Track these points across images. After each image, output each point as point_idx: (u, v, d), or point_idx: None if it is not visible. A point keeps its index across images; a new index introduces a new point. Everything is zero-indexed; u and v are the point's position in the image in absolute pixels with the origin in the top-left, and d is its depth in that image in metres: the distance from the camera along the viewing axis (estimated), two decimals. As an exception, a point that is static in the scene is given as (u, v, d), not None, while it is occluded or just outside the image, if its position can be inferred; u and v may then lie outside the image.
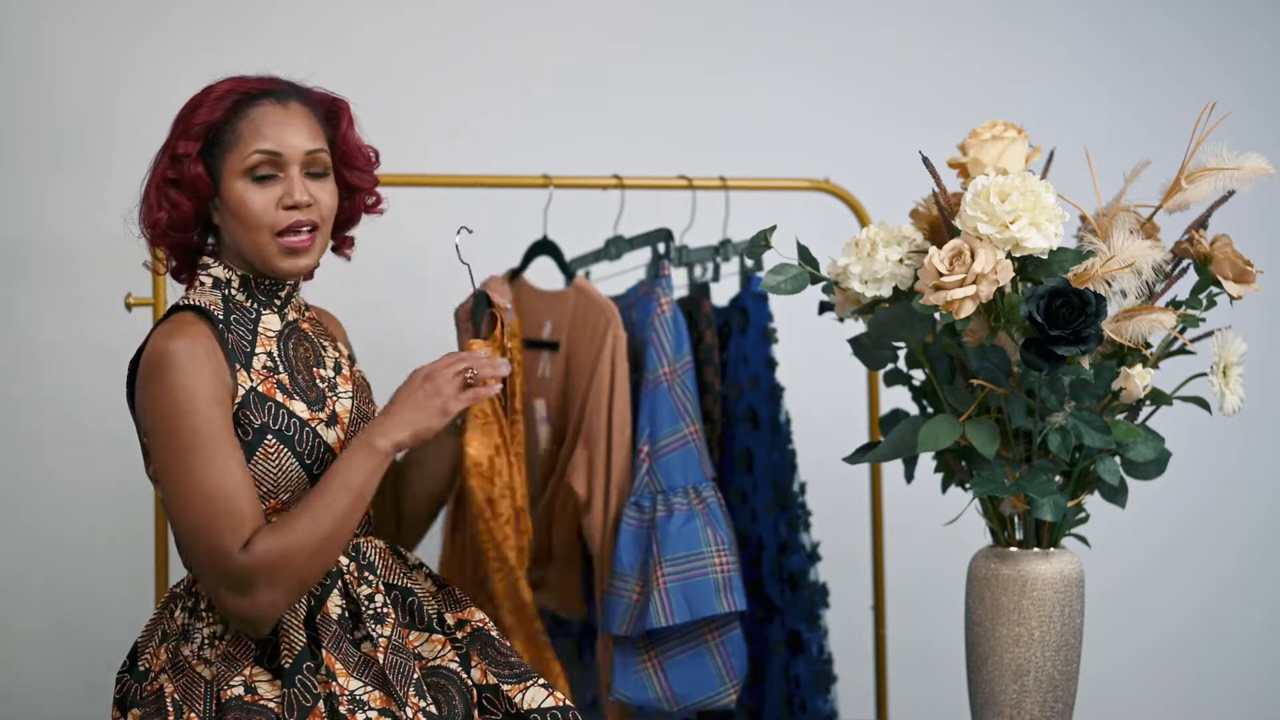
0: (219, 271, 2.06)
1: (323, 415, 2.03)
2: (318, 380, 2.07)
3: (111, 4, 3.00)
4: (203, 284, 2.07)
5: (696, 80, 3.34)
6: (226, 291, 2.06)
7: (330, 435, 2.03)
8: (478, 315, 2.21)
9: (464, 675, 2.02)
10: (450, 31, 3.20)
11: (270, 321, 2.06)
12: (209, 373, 1.94)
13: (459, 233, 2.14)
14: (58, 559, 2.93)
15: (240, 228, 2.02)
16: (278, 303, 2.08)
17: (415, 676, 1.97)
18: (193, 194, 2.02)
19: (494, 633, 2.10)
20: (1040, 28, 3.57)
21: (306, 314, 2.14)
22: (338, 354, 2.14)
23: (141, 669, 2.01)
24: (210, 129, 2.02)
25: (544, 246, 2.76)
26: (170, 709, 1.95)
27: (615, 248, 2.71)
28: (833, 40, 3.45)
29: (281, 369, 2.03)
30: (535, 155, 2.86)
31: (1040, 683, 2.09)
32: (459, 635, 2.08)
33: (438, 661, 2.03)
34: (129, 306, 2.47)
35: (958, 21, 3.52)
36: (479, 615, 2.12)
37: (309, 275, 2.16)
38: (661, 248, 2.60)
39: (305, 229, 2.02)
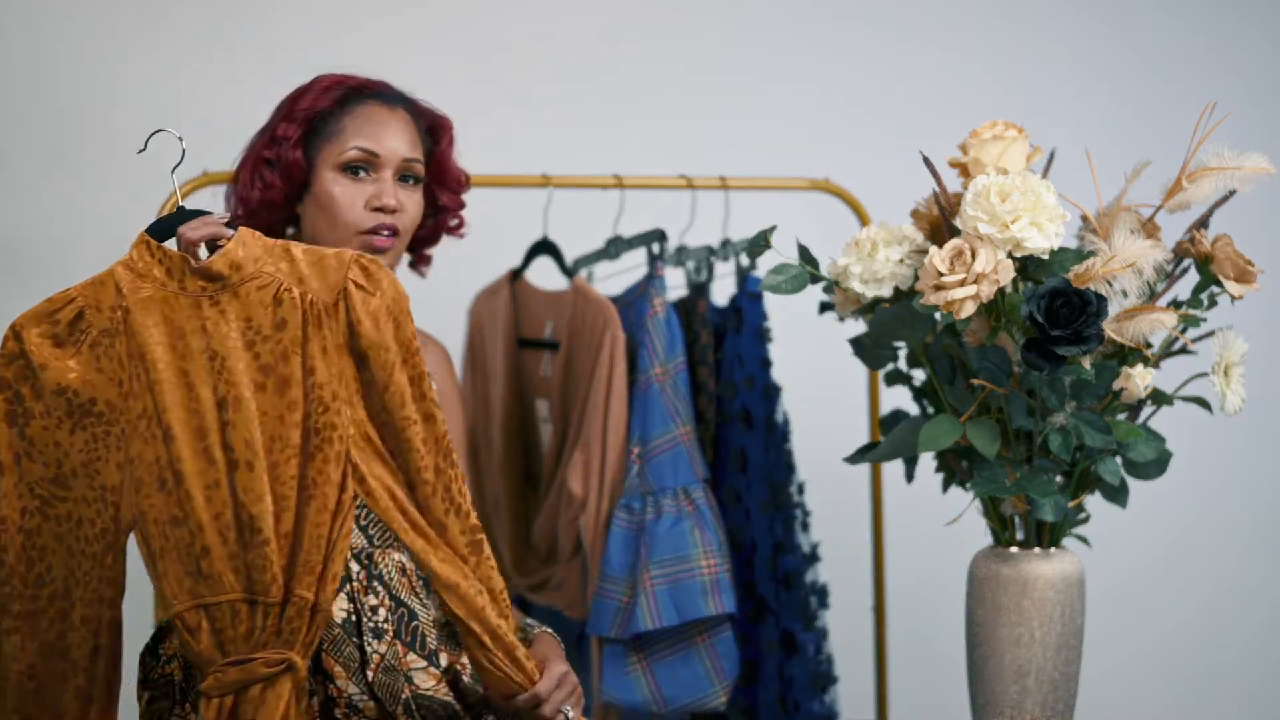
0: None
1: None
2: None
3: (112, 4, 3.00)
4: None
5: (696, 80, 3.33)
6: None
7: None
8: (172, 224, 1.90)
9: (456, 706, 2.01)
10: (450, 32, 3.20)
11: None
12: None
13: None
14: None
15: (325, 220, 2.03)
16: None
17: (404, 696, 1.97)
18: (286, 177, 2.04)
19: (466, 676, 2.06)
20: (1040, 28, 3.56)
21: None
22: None
23: (160, 652, 2.02)
24: (313, 117, 2.03)
25: (544, 246, 2.77)
26: (176, 694, 1.95)
27: (615, 248, 2.71)
28: (833, 40, 3.44)
29: None
30: (535, 155, 2.86)
31: (1041, 683, 2.09)
32: (449, 675, 2.06)
33: (432, 694, 2.02)
34: (128, 306, 2.47)
35: (958, 22, 3.52)
36: (464, 659, 2.08)
37: None
38: (656, 248, 2.59)
39: (387, 232, 2.02)
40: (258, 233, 1.81)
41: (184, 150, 1.91)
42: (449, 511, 1.78)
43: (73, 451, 1.77)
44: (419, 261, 2.19)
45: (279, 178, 2.05)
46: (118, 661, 1.83)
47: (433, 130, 2.11)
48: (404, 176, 2.05)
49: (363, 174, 2.03)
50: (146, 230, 1.82)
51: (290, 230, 2.10)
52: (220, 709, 1.75)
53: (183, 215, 1.84)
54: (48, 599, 1.78)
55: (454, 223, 2.17)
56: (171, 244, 1.84)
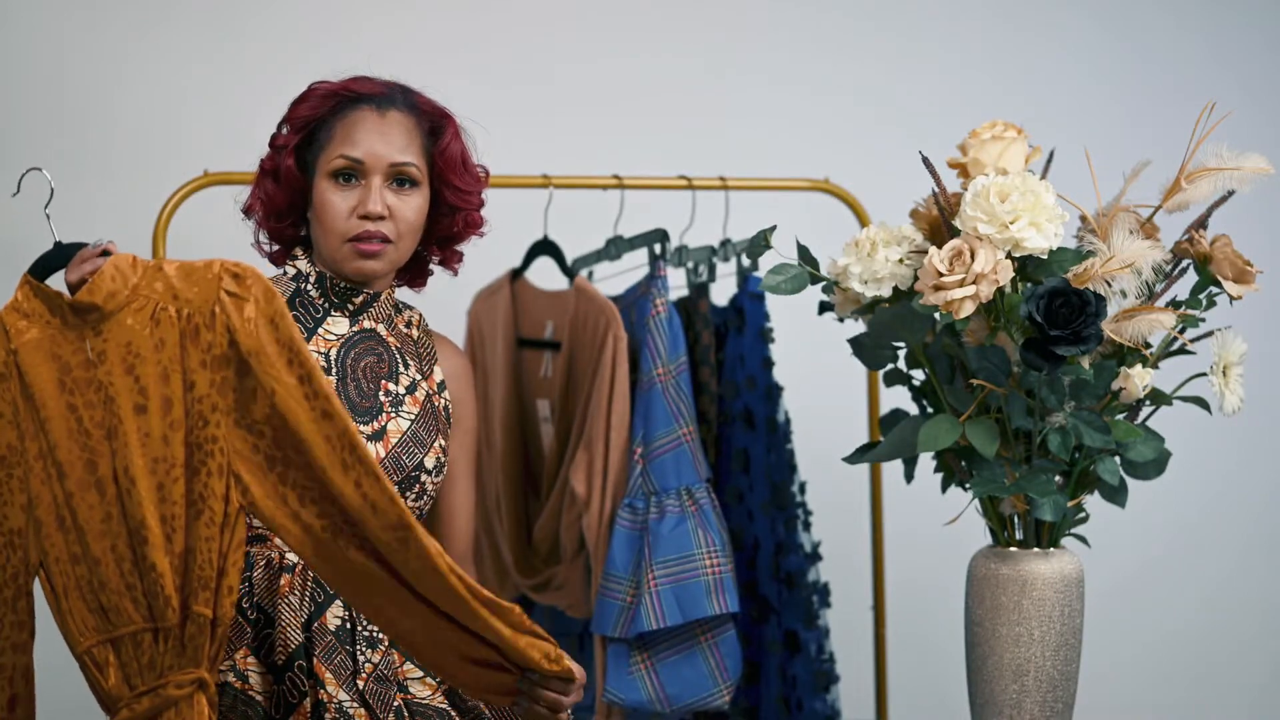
0: (303, 264, 2.08)
1: (366, 429, 2.01)
2: (381, 393, 2.05)
3: (112, 5, 3.00)
4: (285, 273, 2.09)
5: (696, 80, 3.34)
6: (302, 286, 2.06)
7: (370, 449, 2.00)
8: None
9: (451, 713, 2.01)
10: (450, 32, 3.20)
11: (336, 325, 2.06)
12: None
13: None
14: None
15: (319, 227, 2.04)
16: (350, 308, 2.07)
17: (396, 704, 1.97)
18: (286, 186, 2.04)
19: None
20: (1040, 28, 3.57)
21: (407, 330, 2.12)
22: (420, 376, 2.11)
23: None
24: (310, 124, 2.04)
25: (545, 247, 2.77)
26: None
27: (615, 248, 2.71)
28: (833, 40, 3.45)
29: (333, 373, 2.02)
30: (535, 155, 2.86)
31: (1040, 682, 2.09)
32: (444, 686, 2.06)
33: (427, 702, 2.02)
34: (129, 306, 2.47)
35: (958, 22, 3.52)
36: None
37: (417, 285, 2.17)
38: (658, 248, 2.60)
39: (375, 239, 2.02)
40: (130, 255, 1.79)
41: (52, 190, 1.92)
42: (364, 509, 1.71)
43: None
44: (449, 259, 2.18)
45: (279, 186, 2.05)
46: (34, 709, 1.81)
47: (435, 129, 2.10)
48: (398, 180, 2.04)
49: (351, 181, 2.02)
50: (28, 271, 1.82)
51: (304, 234, 2.11)
52: None
53: (61, 251, 1.84)
54: None
55: (472, 220, 2.15)
56: (56, 281, 1.83)
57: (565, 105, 3.25)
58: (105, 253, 1.81)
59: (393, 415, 2.04)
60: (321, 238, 2.04)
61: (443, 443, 2.09)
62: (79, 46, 2.97)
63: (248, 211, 2.10)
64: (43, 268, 1.84)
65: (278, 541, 1.98)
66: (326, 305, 2.06)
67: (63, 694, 2.73)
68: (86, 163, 2.97)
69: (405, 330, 2.12)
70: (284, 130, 2.07)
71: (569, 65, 3.25)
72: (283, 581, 1.97)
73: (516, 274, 2.80)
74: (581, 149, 3.07)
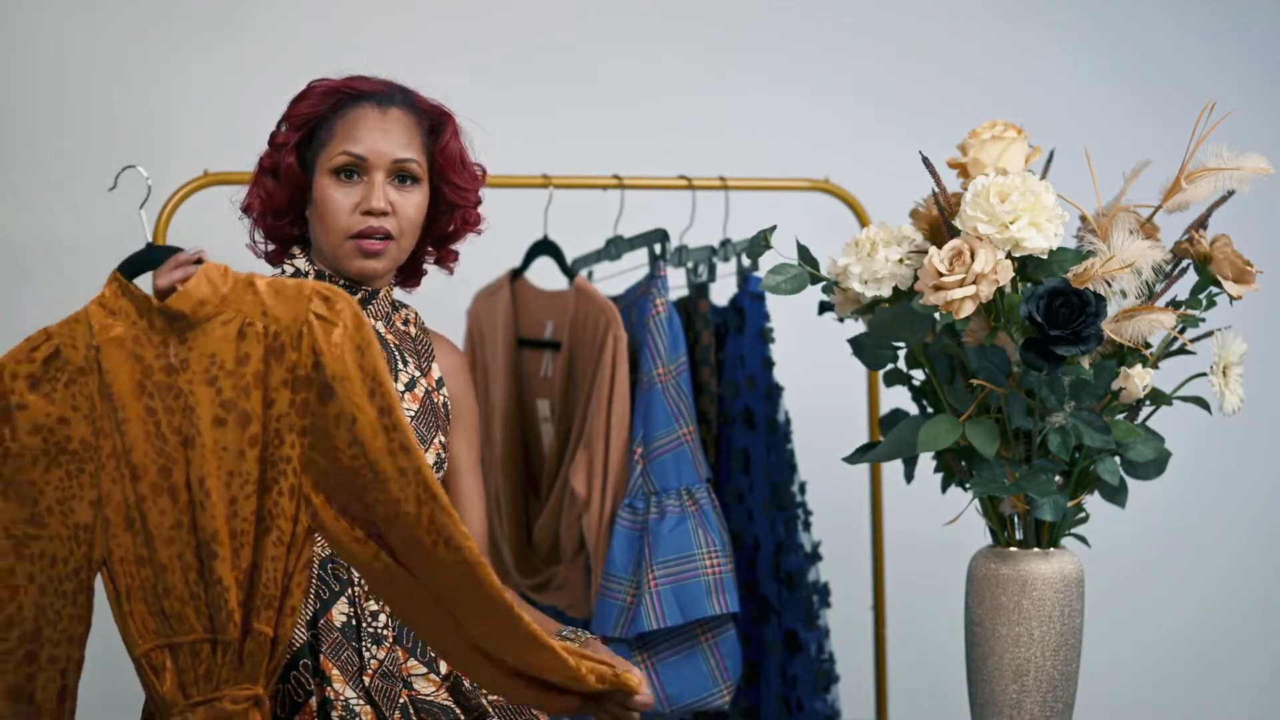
0: (301, 263, 2.08)
1: None
2: None
3: (112, 5, 3.00)
4: (283, 272, 2.09)
5: (696, 80, 3.34)
6: None
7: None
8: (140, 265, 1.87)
9: (456, 710, 2.02)
10: (450, 32, 3.20)
11: None
12: None
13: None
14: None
15: (320, 224, 2.04)
16: None
17: (401, 701, 1.97)
18: (286, 183, 2.04)
19: (467, 683, 2.06)
20: (1040, 28, 3.57)
21: (405, 328, 2.12)
22: (419, 373, 2.11)
23: None
24: (310, 122, 2.04)
25: (544, 247, 2.77)
26: None
27: (615, 248, 2.71)
28: (833, 40, 3.45)
29: None
30: (535, 155, 2.86)
31: (1040, 682, 2.09)
32: (449, 682, 2.06)
33: (431, 698, 2.02)
34: (129, 306, 2.47)
35: (958, 22, 3.52)
36: None
37: (411, 285, 2.17)
38: (658, 248, 2.60)
39: (378, 235, 2.02)
40: (223, 265, 1.79)
41: (149, 187, 1.92)
42: (436, 544, 1.70)
43: (47, 490, 1.75)
44: (445, 258, 2.19)
45: (279, 184, 2.05)
46: (75, 702, 1.81)
47: (434, 127, 2.10)
48: (400, 177, 2.04)
49: (354, 178, 2.03)
50: (118, 268, 1.81)
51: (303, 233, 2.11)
52: None
53: (153, 253, 1.84)
54: (17, 640, 1.75)
55: (470, 218, 2.16)
56: (144, 282, 1.83)
57: (565, 105, 3.25)
58: (198, 260, 1.80)
59: None
60: (323, 235, 2.04)
61: (442, 439, 2.09)
62: (79, 46, 2.97)
63: (246, 210, 2.10)
64: (133, 267, 1.83)
65: None
66: None
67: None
68: (86, 163, 2.97)
69: (403, 328, 2.12)
70: (283, 128, 2.07)
71: (569, 65, 3.25)
72: None
73: (516, 274, 2.80)
74: (581, 149, 3.07)
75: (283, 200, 2.06)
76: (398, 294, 2.18)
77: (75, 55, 2.97)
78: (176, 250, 1.83)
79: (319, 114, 2.05)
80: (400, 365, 2.08)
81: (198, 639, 1.75)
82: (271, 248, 2.13)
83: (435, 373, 2.13)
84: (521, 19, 3.25)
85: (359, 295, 2.07)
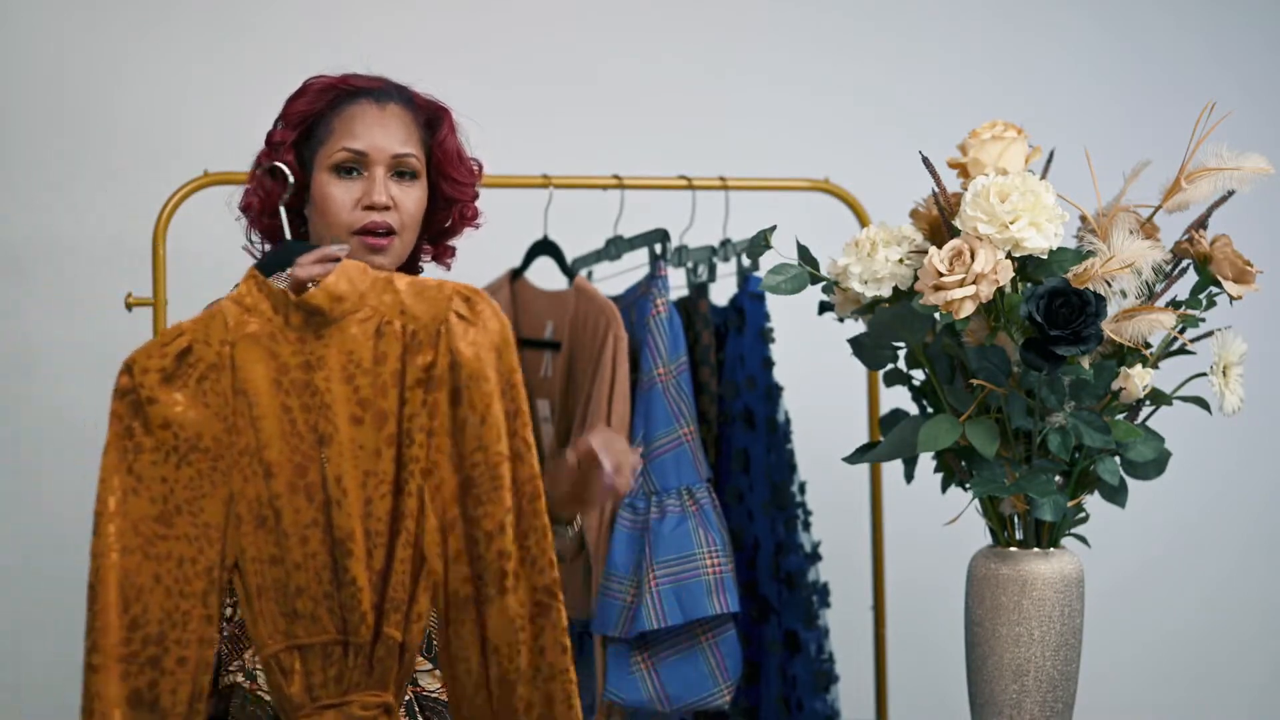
0: None
1: None
2: None
3: (112, 5, 3.00)
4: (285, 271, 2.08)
5: (696, 80, 3.33)
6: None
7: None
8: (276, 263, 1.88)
9: None
10: (450, 31, 3.20)
11: None
12: None
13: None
14: (57, 557, 2.92)
15: (322, 221, 2.03)
16: None
17: (406, 697, 1.97)
18: (284, 182, 2.03)
19: None
20: (1040, 28, 3.57)
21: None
22: None
23: None
24: (308, 120, 2.03)
25: (544, 246, 2.77)
26: None
27: (615, 248, 2.71)
28: (833, 40, 3.45)
29: None
30: (535, 155, 2.86)
31: (1040, 683, 2.09)
32: None
33: (436, 694, 2.02)
34: (129, 306, 2.47)
35: (958, 22, 3.52)
36: None
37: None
38: (658, 248, 2.60)
39: (382, 230, 2.02)
40: (362, 264, 1.77)
41: (290, 184, 1.96)
42: (524, 561, 1.68)
43: (178, 487, 1.73)
44: (442, 254, 2.19)
45: (278, 183, 2.05)
46: (208, 703, 1.78)
47: (431, 122, 2.10)
48: (399, 172, 2.04)
49: (354, 174, 2.03)
50: (256, 265, 1.80)
51: (302, 231, 2.10)
52: None
53: (292, 249, 1.83)
54: (140, 643, 1.72)
55: (468, 213, 2.16)
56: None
57: (565, 105, 3.25)
58: (336, 258, 1.79)
59: None
60: (324, 231, 2.04)
61: None
62: (79, 46, 2.97)
63: (245, 210, 2.10)
64: (271, 264, 1.82)
65: None
66: None
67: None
68: (86, 163, 2.97)
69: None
70: (280, 127, 2.07)
71: (569, 65, 3.25)
72: None
73: (516, 274, 2.80)
74: (581, 149, 3.07)
75: (278, 198, 2.06)
76: None
77: (75, 55, 2.97)
78: (313, 246, 1.83)
79: (316, 111, 2.05)
80: None
81: (329, 640, 1.73)
82: (269, 248, 2.12)
83: None
84: (521, 19, 3.25)
85: None
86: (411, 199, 2.05)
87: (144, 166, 2.95)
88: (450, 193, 2.11)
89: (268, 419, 1.73)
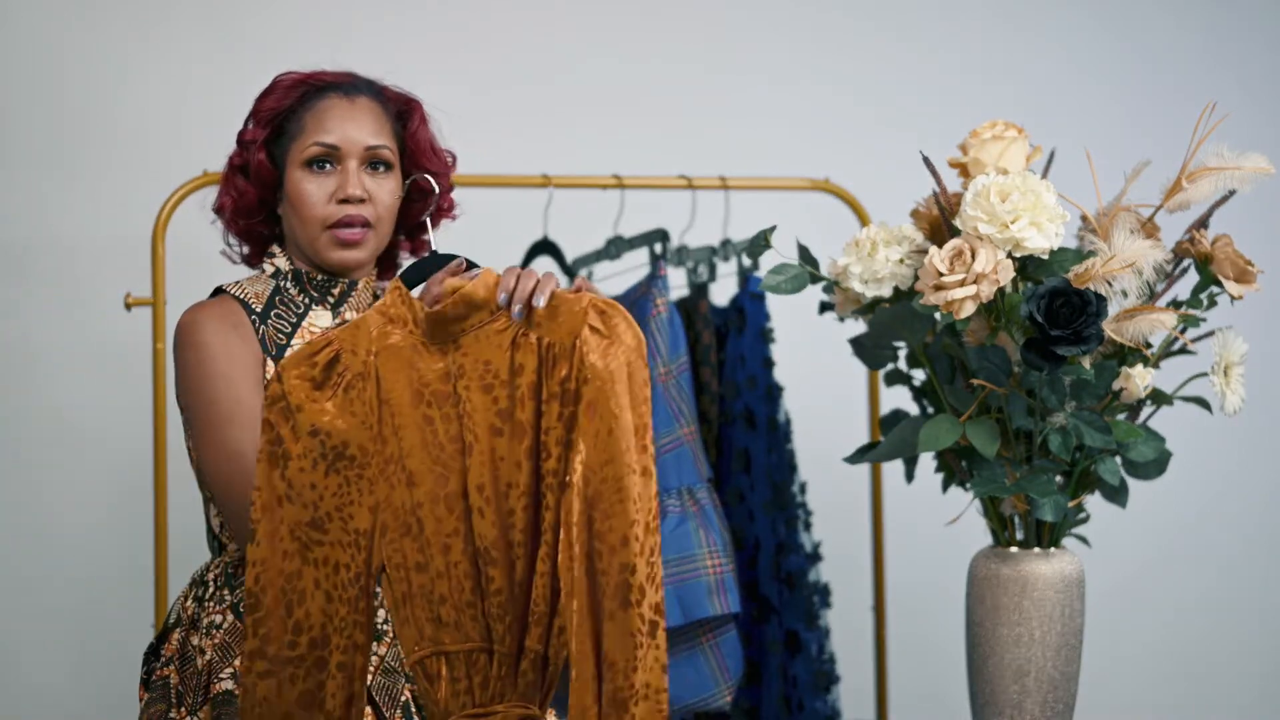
0: (281, 262, 2.07)
1: None
2: None
3: (113, 5, 3.00)
4: (262, 271, 2.08)
5: (696, 80, 3.33)
6: (281, 283, 2.05)
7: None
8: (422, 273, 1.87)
9: None
10: (450, 32, 3.20)
11: (319, 318, 2.05)
12: (238, 341, 1.96)
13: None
14: (57, 557, 2.92)
15: (296, 218, 2.03)
16: (331, 299, 2.06)
17: (404, 699, 1.97)
18: (258, 181, 2.04)
19: None
20: (1040, 28, 3.57)
21: None
22: None
23: (161, 652, 2.02)
24: (278, 117, 2.03)
25: (544, 246, 2.77)
26: (173, 698, 1.95)
27: (615, 248, 2.71)
28: (833, 40, 3.45)
29: None
30: (535, 155, 2.86)
31: (1040, 683, 2.09)
32: None
33: None
34: (129, 306, 2.47)
35: (957, 21, 3.52)
36: None
37: (388, 274, 2.15)
38: (658, 248, 2.60)
39: (357, 224, 2.02)
40: (498, 276, 1.76)
41: (436, 192, 2.01)
42: (650, 578, 1.66)
43: (327, 495, 1.74)
44: (419, 247, 2.18)
45: (250, 183, 2.04)
46: (362, 706, 1.78)
47: (402, 114, 2.10)
48: (373, 164, 2.04)
49: (327, 167, 2.02)
50: (399, 275, 1.81)
51: (279, 230, 2.09)
52: None
53: (435, 260, 1.83)
54: (307, 646, 1.73)
55: (444, 204, 2.15)
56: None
57: (565, 105, 3.25)
58: (473, 267, 1.79)
59: None
60: (299, 227, 2.03)
61: None
62: (79, 46, 2.97)
63: (219, 211, 2.09)
64: (415, 274, 1.82)
65: None
66: (307, 300, 2.05)
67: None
68: (86, 163, 2.97)
69: None
70: (250, 125, 2.07)
71: (569, 65, 3.25)
72: None
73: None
74: (581, 149, 3.07)
75: (254, 198, 2.05)
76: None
77: (75, 55, 2.97)
78: (454, 257, 1.83)
79: (286, 108, 2.04)
80: None
81: (474, 648, 1.73)
82: (247, 250, 2.12)
83: None
84: (521, 19, 3.25)
85: (339, 287, 2.06)
86: (386, 190, 2.04)
87: (144, 166, 2.95)
88: (425, 184, 2.11)
89: (409, 428, 1.74)
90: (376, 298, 2.10)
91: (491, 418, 1.72)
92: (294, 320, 2.03)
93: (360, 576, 1.74)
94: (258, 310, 2.01)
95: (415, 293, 1.81)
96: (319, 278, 2.05)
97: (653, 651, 1.66)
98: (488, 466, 1.72)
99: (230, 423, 1.92)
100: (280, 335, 2.00)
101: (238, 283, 2.05)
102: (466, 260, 1.83)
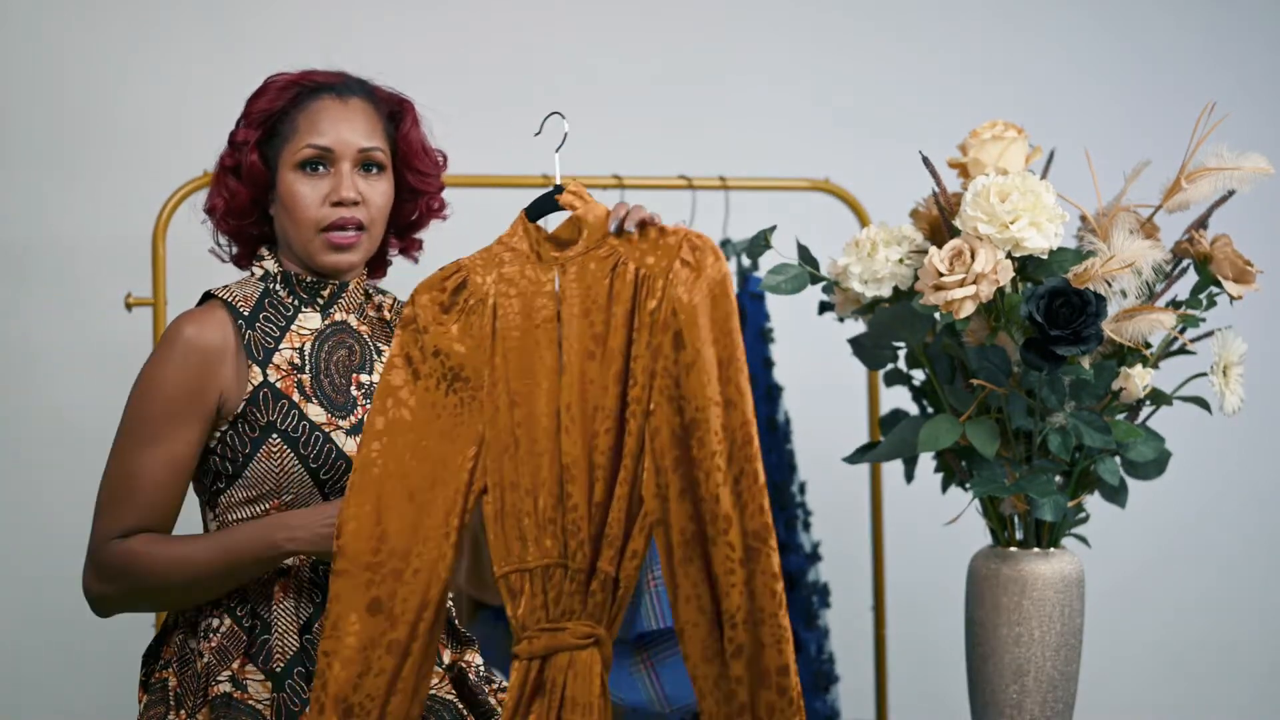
0: (270, 264, 2.06)
1: (344, 423, 2.00)
2: (352, 387, 2.04)
3: (113, 5, 3.00)
4: (252, 273, 2.07)
5: (696, 80, 3.34)
6: (270, 285, 2.05)
7: (350, 444, 1.99)
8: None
9: (458, 704, 2.01)
10: (450, 32, 3.20)
11: (309, 320, 2.04)
12: (194, 373, 1.96)
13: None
14: (57, 558, 2.92)
15: (289, 220, 2.02)
16: (320, 301, 2.05)
17: (455, 671, 1.97)
18: (250, 182, 2.03)
19: (473, 675, 2.06)
20: (1040, 28, 3.57)
21: (379, 314, 2.10)
22: None
23: (160, 655, 2.02)
24: (270, 118, 2.02)
25: (544, 246, 2.76)
26: (172, 700, 1.95)
27: (615, 248, 2.70)
28: (833, 41, 3.45)
29: (307, 369, 2.01)
30: (535, 155, 2.86)
31: (1040, 683, 2.09)
32: (453, 673, 2.06)
33: (434, 692, 2.01)
34: (129, 306, 2.47)
35: (957, 21, 3.52)
36: (469, 657, 2.08)
37: (376, 275, 2.15)
38: (661, 248, 2.59)
39: (351, 227, 2.01)
40: (606, 208, 1.85)
41: (565, 135, 2.01)
42: (736, 506, 1.73)
43: (443, 413, 1.82)
44: (409, 247, 2.18)
45: (242, 184, 2.03)
46: (435, 611, 1.82)
47: (394, 115, 2.09)
48: (365, 166, 2.03)
49: (320, 169, 2.01)
50: (525, 209, 1.90)
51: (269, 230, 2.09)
52: (528, 673, 1.77)
53: (559, 192, 1.91)
54: (386, 554, 1.80)
55: (434, 205, 2.15)
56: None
57: (565, 105, 3.24)
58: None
59: (368, 407, 2.03)
60: (292, 230, 2.02)
61: None
62: (79, 47, 2.97)
63: (210, 212, 2.08)
64: (538, 208, 1.91)
65: None
66: (296, 302, 2.05)
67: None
68: (86, 163, 2.97)
69: (377, 315, 2.11)
70: (242, 125, 2.05)
71: (569, 65, 3.25)
72: (277, 587, 1.96)
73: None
74: (582, 149, 3.07)
75: (246, 199, 2.04)
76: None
77: (75, 55, 2.97)
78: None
79: (278, 109, 2.03)
80: (375, 355, 2.07)
81: (551, 564, 1.78)
82: (236, 250, 2.11)
83: None
84: (522, 19, 3.25)
85: (329, 289, 2.06)
86: (379, 192, 2.04)
87: (144, 166, 2.95)
88: (416, 185, 2.10)
89: (516, 351, 1.82)
90: (368, 298, 2.10)
91: (586, 342, 1.79)
92: (282, 323, 2.02)
93: (458, 493, 1.80)
94: (245, 314, 2.00)
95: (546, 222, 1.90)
96: (308, 279, 2.05)
97: (758, 577, 1.71)
98: (577, 388, 1.78)
99: (143, 448, 1.96)
100: (268, 339, 2.00)
101: (226, 287, 2.04)
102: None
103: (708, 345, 1.73)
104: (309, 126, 2.01)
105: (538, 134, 2.01)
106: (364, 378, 2.05)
